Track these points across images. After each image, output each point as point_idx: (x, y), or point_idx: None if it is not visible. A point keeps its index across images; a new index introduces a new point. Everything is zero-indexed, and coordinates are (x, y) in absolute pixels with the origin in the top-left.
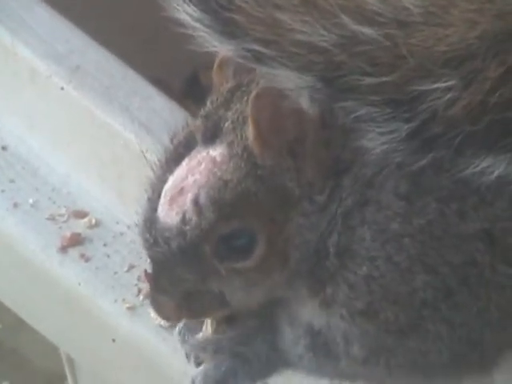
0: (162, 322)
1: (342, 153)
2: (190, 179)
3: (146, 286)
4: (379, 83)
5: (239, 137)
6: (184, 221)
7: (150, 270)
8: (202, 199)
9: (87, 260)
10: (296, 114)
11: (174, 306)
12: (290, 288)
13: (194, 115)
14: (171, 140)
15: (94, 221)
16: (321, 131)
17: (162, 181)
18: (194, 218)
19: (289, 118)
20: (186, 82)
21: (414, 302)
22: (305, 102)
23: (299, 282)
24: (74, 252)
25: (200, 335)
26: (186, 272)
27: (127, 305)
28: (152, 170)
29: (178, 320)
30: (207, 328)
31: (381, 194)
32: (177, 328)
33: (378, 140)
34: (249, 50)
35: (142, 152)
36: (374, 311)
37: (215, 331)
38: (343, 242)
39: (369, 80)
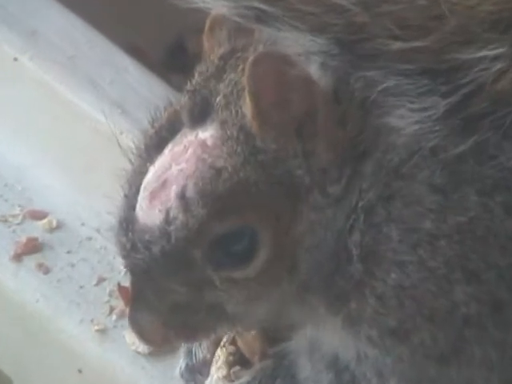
0: (141, 348)
1: (362, 133)
2: (175, 169)
3: (119, 303)
4: (411, 49)
5: (234, 114)
6: (168, 220)
7: (126, 283)
8: (190, 192)
9: (46, 271)
10: (304, 85)
11: (160, 326)
12: (303, 303)
13: (178, 90)
14: (151, 122)
15: (54, 223)
16: (335, 106)
17: (140, 172)
18: (180, 217)
19: (295, 90)
20: (168, 50)
21: (455, 318)
22: (315, 70)
23: (314, 294)
24: (30, 261)
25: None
26: (172, 283)
27: (96, 327)
28: (128, 159)
29: (165, 344)
30: (213, 373)
31: (410, 186)
32: (177, 370)
33: (408, 118)
34: (249, 8)
35: (116, 137)
36: (406, 331)
37: (225, 377)
38: (367, 242)
39: (398, 45)
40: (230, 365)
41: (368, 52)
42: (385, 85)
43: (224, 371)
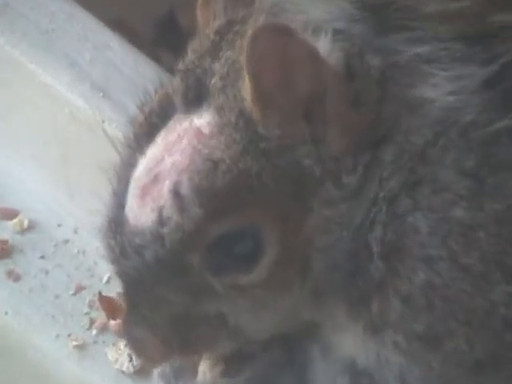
0: (125, 367)
1: (380, 114)
2: (168, 161)
3: (101, 316)
4: (446, 10)
5: (232, 98)
6: (161, 220)
7: (108, 292)
8: (185, 189)
9: (17, 279)
10: (312, 61)
11: (158, 341)
12: (319, 309)
13: (169, 71)
14: (140, 107)
15: (26, 223)
16: (348, 84)
17: (129, 165)
18: (175, 216)
19: (302, 67)
20: (157, 25)
21: (493, 322)
22: (324, 44)
23: (331, 299)
24: None
25: (198, 381)
26: (168, 292)
27: (74, 342)
28: (115, 149)
29: (164, 360)
30: (207, 370)
31: (438, 171)
32: (156, 374)
33: (442, 87)
34: None
35: (101, 126)
36: (437, 336)
37: (223, 373)
38: (390, 237)
39: (432, 6)
40: (228, 360)
41: (397, 15)
42: (416, 50)
43: (221, 366)
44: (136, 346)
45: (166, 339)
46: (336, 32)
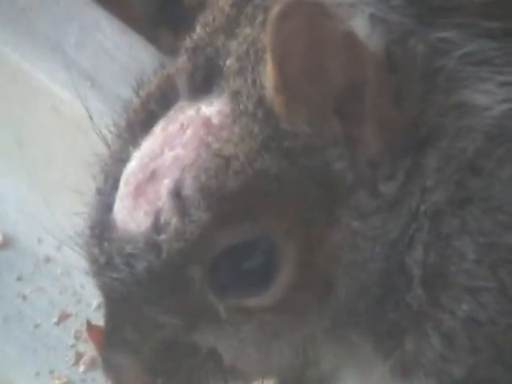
0: None
1: (424, 113)
2: (168, 155)
3: (89, 348)
4: (501, 2)
5: (250, 83)
6: (157, 226)
7: (98, 321)
8: (188, 188)
9: None
10: (348, 47)
11: (142, 371)
12: (339, 343)
13: (170, 54)
14: (136, 91)
15: (0, 238)
16: (389, 76)
17: (120, 160)
18: (174, 222)
19: (337, 52)
20: (157, 3)
21: None
22: (363, 27)
23: (355, 331)
24: None
25: None
26: (160, 314)
27: (58, 381)
28: (103, 141)
29: None
30: None
31: (492, 187)
32: None
33: (494, 94)
34: None
35: (90, 121)
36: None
37: None
38: (433, 261)
39: None
40: None
41: (443, 4)
42: (464, 49)
43: None
44: (115, 374)
45: (150, 369)
46: (372, 17)
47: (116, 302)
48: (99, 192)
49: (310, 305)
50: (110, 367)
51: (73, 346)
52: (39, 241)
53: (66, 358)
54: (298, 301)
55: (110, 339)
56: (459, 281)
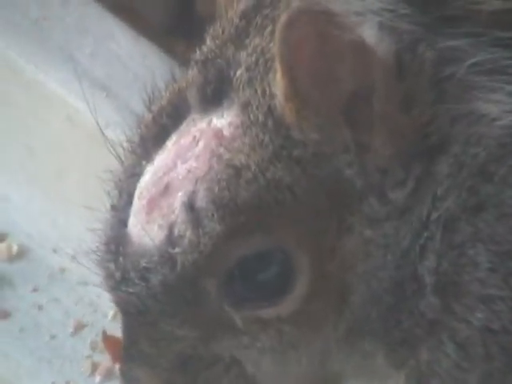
0: None
1: (435, 120)
2: (181, 168)
3: (105, 359)
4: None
5: (260, 93)
6: (172, 239)
7: (114, 331)
8: (201, 201)
9: (5, 316)
10: (357, 54)
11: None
12: (354, 353)
13: (184, 64)
14: (147, 105)
15: (15, 248)
16: (398, 83)
17: (133, 174)
18: (189, 234)
19: (344, 61)
20: (171, 12)
21: None
22: (372, 34)
23: (369, 341)
24: None
25: None
26: (176, 326)
27: None
28: (116, 157)
29: None
30: None
31: (503, 192)
32: None
33: (506, 104)
34: None
35: (104, 132)
36: None
37: None
38: (446, 269)
39: (495, 4)
40: None
41: (452, 13)
42: (475, 58)
43: None
44: None
45: (167, 382)
46: (381, 25)
47: (132, 316)
48: (113, 208)
49: (325, 314)
50: (127, 381)
51: (89, 356)
52: (54, 251)
53: (82, 369)
54: (313, 311)
55: (128, 353)
56: (472, 289)
